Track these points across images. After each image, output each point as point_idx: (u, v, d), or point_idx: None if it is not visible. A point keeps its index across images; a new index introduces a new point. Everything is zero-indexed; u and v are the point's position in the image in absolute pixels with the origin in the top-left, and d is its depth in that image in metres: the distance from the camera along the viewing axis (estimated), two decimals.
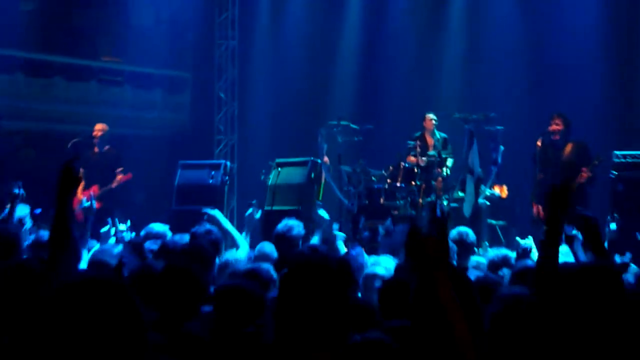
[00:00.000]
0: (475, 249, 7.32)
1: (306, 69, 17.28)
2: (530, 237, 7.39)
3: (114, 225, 8.06)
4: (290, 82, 17.27)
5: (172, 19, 18.11)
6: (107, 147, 13.51)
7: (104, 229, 8.04)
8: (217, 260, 6.51)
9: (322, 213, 9.55)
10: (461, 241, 7.21)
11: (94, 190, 13.23)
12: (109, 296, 2.37)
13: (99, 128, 13.55)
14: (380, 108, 16.20)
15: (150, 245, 7.19)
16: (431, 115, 13.16)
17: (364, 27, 17.20)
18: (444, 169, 12.35)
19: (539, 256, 4.13)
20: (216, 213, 8.14)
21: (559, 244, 3.99)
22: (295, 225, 7.27)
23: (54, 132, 16.66)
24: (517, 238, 7.24)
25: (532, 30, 15.46)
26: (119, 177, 13.22)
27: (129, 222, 7.98)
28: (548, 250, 3.94)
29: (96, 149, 13.47)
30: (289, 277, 3.12)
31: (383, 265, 6.20)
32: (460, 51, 16.25)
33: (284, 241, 7.11)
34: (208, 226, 7.04)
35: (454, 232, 7.55)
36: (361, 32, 17.27)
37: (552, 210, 4.01)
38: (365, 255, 6.91)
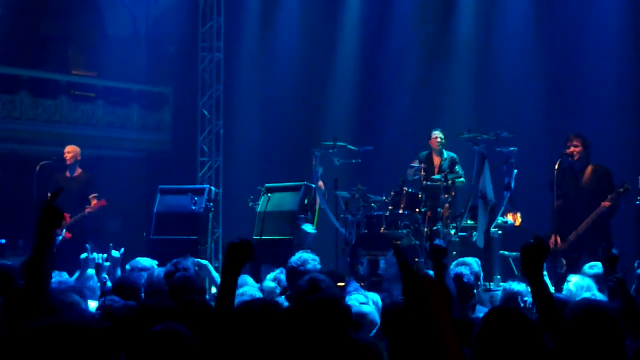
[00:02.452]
0: (485, 284, 7.35)
1: (299, 84, 17.33)
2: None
3: (89, 255, 8.13)
4: (281, 99, 17.33)
5: (151, 29, 18.20)
6: (79, 170, 13.48)
7: (83, 257, 8.11)
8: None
9: (307, 228, 9.52)
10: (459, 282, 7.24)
11: (65, 219, 13.20)
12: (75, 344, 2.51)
13: (70, 150, 13.51)
14: (381, 127, 16.24)
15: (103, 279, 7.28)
16: (437, 133, 13.18)
17: (362, 38, 17.25)
18: (451, 193, 12.36)
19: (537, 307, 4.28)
20: (208, 265, 8.36)
21: (546, 295, 4.21)
22: (310, 260, 7.31)
23: (20, 154, 16.68)
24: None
25: (548, 42, 15.50)
26: (93, 203, 13.20)
27: (122, 250, 8.02)
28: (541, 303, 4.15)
29: (67, 173, 13.44)
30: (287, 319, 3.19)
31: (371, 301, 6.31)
32: (469, 65, 16.31)
33: (296, 276, 7.14)
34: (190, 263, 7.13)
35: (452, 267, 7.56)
36: (360, 43, 17.32)
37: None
38: (364, 292, 6.98)
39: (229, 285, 4.14)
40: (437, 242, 5.62)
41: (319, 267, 7.40)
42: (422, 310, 2.93)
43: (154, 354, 4.05)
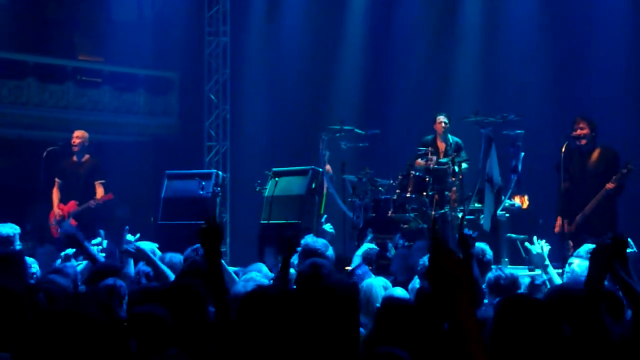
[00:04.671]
0: (493, 267, 7.39)
1: (306, 68, 17.36)
2: (548, 266, 7.40)
3: (102, 241, 8.25)
4: (288, 83, 17.36)
5: (157, 13, 18.24)
6: (86, 156, 13.49)
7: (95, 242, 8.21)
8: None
9: (327, 228, 9.65)
10: (478, 260, 7.30)
11: (71, 206, 13.27)
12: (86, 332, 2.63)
13: (79, 135, 13.49)
14: (388, 110, 16.27)
15: (142, 266, 7.34)
16: (442, 117, 13.19)
17: (369, 21, 17.25)
18: (459, 176, 12.42)
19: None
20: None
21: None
22: (327, 245, 7.39)
23: (26, 140, 16.76)
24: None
25: (554, 24, 15.49)
26: (101, 192, 13.21)
27: (137, 235, 8.12)
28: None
29: (74, 158, 13.46)
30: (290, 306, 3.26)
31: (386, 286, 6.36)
32: (475, 47, 16.32)
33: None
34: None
35: None
36: (367, 26, 17.33)
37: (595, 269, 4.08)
38: (372, 275, 7.05)
39: (215, 268, 4.21)
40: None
41: (332, 254, 7.52)
42: (447, 291, 2.96)
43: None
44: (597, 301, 3.99)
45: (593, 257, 4.04)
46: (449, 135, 13.12)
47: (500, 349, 3.56)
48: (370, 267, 8.82)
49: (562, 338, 3.60)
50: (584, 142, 11.29)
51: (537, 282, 6.92)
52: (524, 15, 15.79)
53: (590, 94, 14.40)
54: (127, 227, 7.81)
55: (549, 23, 15.55)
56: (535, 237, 7.57)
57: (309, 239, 7.42)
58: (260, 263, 7.50)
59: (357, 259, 7.76)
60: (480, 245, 7.74)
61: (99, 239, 8.31)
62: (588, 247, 7.21)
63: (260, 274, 6.72)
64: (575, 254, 7.45)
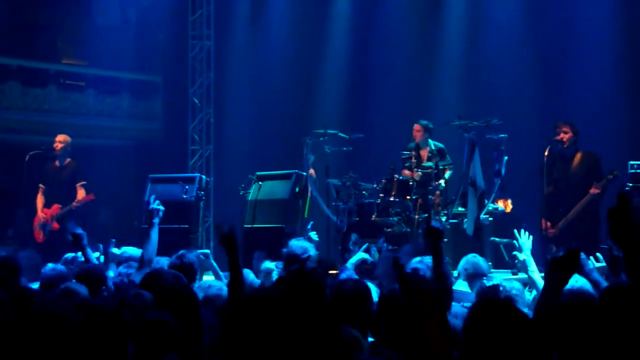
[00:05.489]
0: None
1: (290, 72, 17.35)
2: (532, 269, 7.40)
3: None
4: (272, 87, 17.35)
5: (140, 17, 18.19)
6: (68, 159, 13.50)
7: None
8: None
9: (313, 236, 9.67)
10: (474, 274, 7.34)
11: (54, 210, 13.26)
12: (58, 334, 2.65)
13: (61, 139, 13.52)
14: (372, 115, 16.27)
15: (125, 269, 7.33)
16: (418, 125, 13.14)
17: (353, 26, 17.25)
18: (442, 181, 12.44)
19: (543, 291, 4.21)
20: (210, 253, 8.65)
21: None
22: (310, 248, 7.43)
23: (9, 144, 16.69)
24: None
25: (538, 29, 15.52)
26: (82, 194, 13.23)
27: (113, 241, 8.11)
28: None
29: (57, 163, 13.48)
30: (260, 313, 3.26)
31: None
32: (459, 52, 16.34)
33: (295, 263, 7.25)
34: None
35: (463, 262, 7.69)
36: (351, 31, 17.33)
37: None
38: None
39: (236, 269, 4.94)
40: (433, 223, 5.57)
41: (316, 253, 7.54)
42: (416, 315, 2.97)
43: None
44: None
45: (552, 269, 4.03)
46: (430, 141, 13.08)
47: (471, 350, 3.57)
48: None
49: (533, 342, 3.62)
50: (566, 145, 11.37)
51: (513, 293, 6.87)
52: (507, 20, 15.82)
53: (572, 98, 14.45)
54: (113, 239, 7.83)
55: (532, 27, 15.59)
56: (522, 230, 7.56)
57: (293, 244, 7.44)
58: (244, 268, 7.50)
59: (349, 267, 7.80)
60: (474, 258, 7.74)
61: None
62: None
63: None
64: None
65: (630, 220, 3.71)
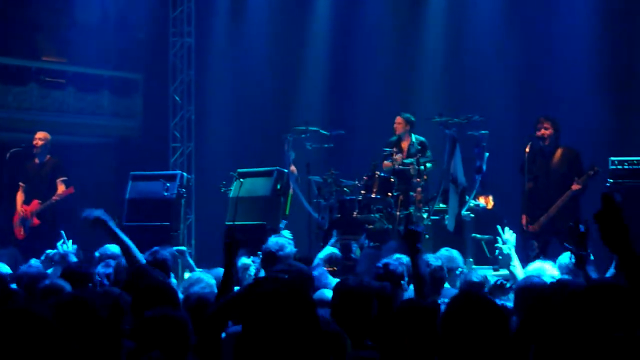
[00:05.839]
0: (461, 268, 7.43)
1: (271, 69, 17.33)
2: (513, 264, 7.40)
3: (65, 242, 8.21)
4: (253, 84, 17.32)
5: (121, 14, 18.11)
6: (47, 156, 13.51)
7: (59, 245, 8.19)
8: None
9: (286, 234, 9.66)
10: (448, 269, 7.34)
11: (34, 205, 13.24)
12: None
13: (41, 137, 13.53)
14: (353, 112, 16.27)
15: (100, 268, 7.31)
16: (397, 118, 13.17)
17: (334, 23, 17.24)
18: (423, 177, 12.43)
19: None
20: (186, 251, 8.63)
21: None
22: (286, 244, 7.41)
23: None
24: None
25: (518, 26, 15.55)
26: (60, 188, 13.23)
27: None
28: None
29: (36, 160, 13.49)
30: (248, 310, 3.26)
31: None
32: (440, 49, 16.35)
33: (274, 260, 7.23)
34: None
35: (432, 257, 7.65)
36: (331, 27, 17.31)
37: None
38: (330, 277, 7.05)
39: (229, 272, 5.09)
40: (411, 226, 5.61)
41: (294, 250, 7.51)
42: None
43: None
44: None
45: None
46: (413, 135, 13.12)
47: (449, 342, 3.58)
48: (335, 269, 8.84)
49: (507, 336, 3.64)
50: (547, 142, 11.39)
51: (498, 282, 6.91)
52: (488, 17, 15.84)
53: (553, 95, 14.50)
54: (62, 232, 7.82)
55: (513, 24, 15.61)
56: (507, 228, 7.58)
57: (270, 241, 7.44)
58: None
59: (317, 262, 7.77)
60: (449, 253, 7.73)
61: (61, 241, 8.27)
62: (565, 260, 7.22)
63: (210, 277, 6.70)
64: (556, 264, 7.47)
65: (622, 222, 3.45)
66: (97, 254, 8.07)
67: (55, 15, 17.80)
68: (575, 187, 11.15)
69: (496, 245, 7.47)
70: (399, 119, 13.12)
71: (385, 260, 6.49)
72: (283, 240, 7.48)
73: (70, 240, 8.42)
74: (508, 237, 7.39)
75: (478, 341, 3.55)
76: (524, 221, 11.36)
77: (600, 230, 3.46)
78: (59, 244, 8.23)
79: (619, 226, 3.44)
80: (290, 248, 7.38)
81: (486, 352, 3.53)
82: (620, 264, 3.49)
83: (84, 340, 3.97)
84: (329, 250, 8.26)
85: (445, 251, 7.82)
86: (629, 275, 3.45)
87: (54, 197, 13.19)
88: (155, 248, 7.23)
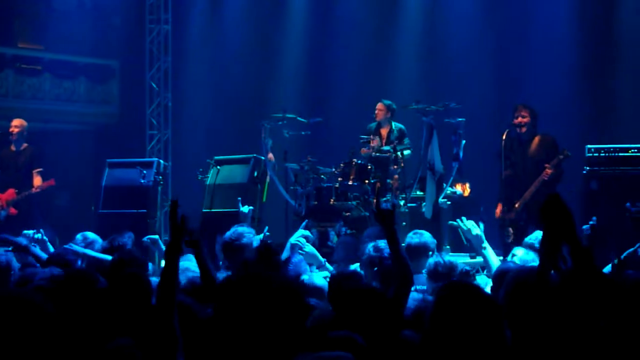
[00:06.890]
0: (436, 254, 7.36)
1: (248, 56, 17.27)
2: (487, 252, 7.34)
3: (38, 231, 8.11)
4: (230, 71, 17.25)
5: (97, 1, 17.98)
6: (24, 144, 13.40)
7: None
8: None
9: (244, 209, 9.49)
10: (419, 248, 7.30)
11: (10, 194, 13.12)
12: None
13: (17, 124, 13.42)
14: (330, 99, 16.25)
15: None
16: (378, 104, 13.18)
17: (312, 10, 17.19)
18: (400, 164, 12.41)
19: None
20: (158, 239, 8.53)
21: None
22: (245, 233, 7.31)
23: None
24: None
25: (495, 13, 15.56)
26: (39, 181, 13.11)
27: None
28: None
29: (12, 147, 13.37)
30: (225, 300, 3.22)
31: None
32: (417, 36, 16.34)
33: (232, 250, 7.16)
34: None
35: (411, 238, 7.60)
36: (309, 15, 17.27)
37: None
38: (306, 265, 7.00)
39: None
40: (383, 205, 5.43)
41: (254, 239, 7.37)
42: None
43: None
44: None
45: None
46: (393, 122, 13.12)
47: (440, 332, 3.53)
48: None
49: (501, 326, 3.59)
50: (524, 129, 11.41)
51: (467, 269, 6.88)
52: (465, 4, 15.83)
53: (530, 82, 14.51)
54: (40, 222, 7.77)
55: (490, 12, 15.61)
56: (464, 218, 7.52)
57: (229, 231, 7.35)
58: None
59: (287, 246, 7.65)
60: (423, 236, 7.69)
61: (34, 230, 8.16)
62: (537, 235, 7.20)
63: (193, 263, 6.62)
64: (525, 241, 7.45)
65: (569, 216, 3.67)
66: (79, 236, 7.95)
67: (32, 2, 17.65)
68: (547, 171, 11.17)
69: (467, 227, 7.38)
70: (380, 106, 13.13)
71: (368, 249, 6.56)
72: (242, 229, 7.38)
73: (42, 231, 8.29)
74: (473, 224, 7.35)
75: (472, 334, 3.50)
76: (498, 209, 11.37)
77: (544, 222, 3.70)
78: (29, 232, 8.12)
79: (565, 219, 3.66)
80: (249, 238, 7.27)
81: (479, 344, 3.48)
82: (571, 252, 3.69)
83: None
84: (300, 232, 8.13)
85: (412, 234, 7.77)
86: (576, 262, 3.65)
87: (33, 189, 13.06)
88: (113, 235, 7.18)
